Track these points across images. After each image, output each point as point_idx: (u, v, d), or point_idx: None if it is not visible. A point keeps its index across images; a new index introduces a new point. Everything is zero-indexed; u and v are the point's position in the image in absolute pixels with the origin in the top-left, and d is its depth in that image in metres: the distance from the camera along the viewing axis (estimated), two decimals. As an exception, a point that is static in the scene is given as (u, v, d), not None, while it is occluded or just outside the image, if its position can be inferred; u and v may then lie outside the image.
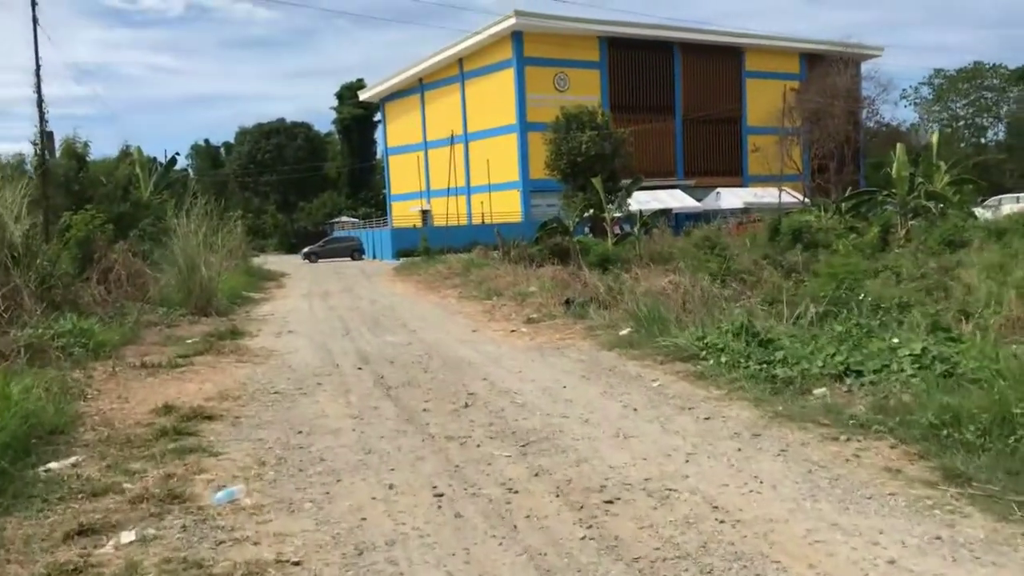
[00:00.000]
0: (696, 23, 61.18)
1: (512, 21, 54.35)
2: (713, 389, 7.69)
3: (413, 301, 19.21)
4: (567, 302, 13.96)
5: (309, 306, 19.15)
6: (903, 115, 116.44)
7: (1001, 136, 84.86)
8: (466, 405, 7.54)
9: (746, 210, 51.85)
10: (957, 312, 12.11)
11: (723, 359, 8.39)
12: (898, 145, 31.76)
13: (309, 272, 37.57)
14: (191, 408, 7.56)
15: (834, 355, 8.32)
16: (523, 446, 6.13)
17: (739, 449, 5.86)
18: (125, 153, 30.91)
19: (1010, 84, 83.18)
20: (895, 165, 29.47)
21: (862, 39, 64.11)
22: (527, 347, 10.82)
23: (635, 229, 34.21)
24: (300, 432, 6.79)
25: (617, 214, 36.43)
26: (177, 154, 39.37)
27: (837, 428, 6.22)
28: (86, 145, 27.88)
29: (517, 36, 55.70)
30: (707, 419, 6.69)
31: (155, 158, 40.25)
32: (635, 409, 7.14)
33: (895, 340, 9.04)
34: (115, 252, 18.77)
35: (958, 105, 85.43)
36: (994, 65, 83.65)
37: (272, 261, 45.93)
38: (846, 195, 33.85)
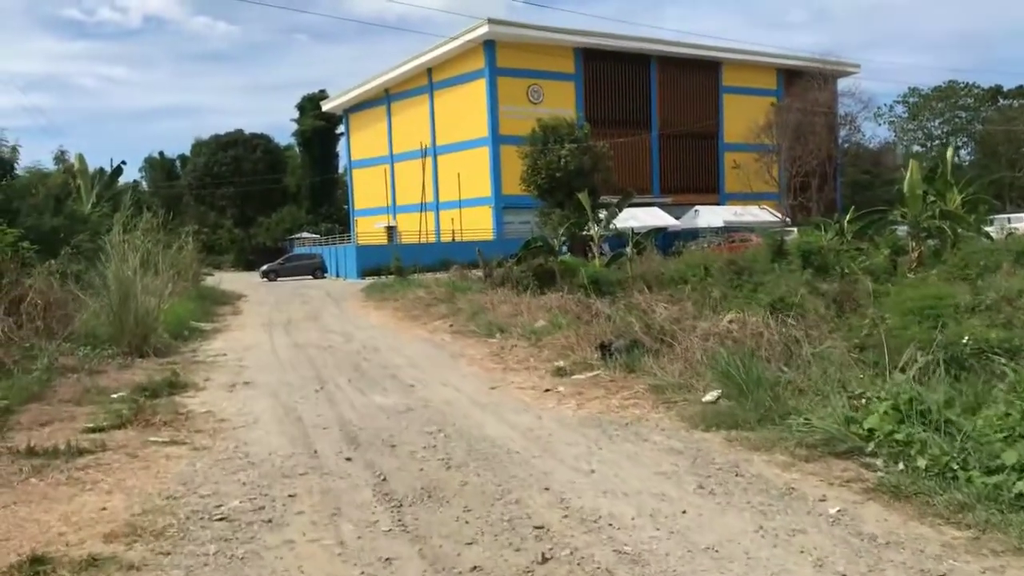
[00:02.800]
0: (674, 36, 58.96)
1: (484, 29, 51.67)
2: (942, 525, 4.74)
3: (396, 336, 16.06)
4: (603, 347, 10.99)
5: (270, 341, 15.93)
6: (876, 134, 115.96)
7: (974, 156, 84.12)
8: (543, 559, 4.50)
9: (727, 229, 49.75)
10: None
11: (920, 462, 5.47)
12: (911, 162, 29.43)
13: (268, 293, 34.13)
14: (76, 563, 4.46)
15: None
16: None
17: None
18: (60, 159, 27.31)
19: (983, 104, 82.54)
20: (907, 182, 27.09)
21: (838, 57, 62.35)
22: (579, 420, 7.80)
23: (627, 249, 31.38)
24: (263, 637, 3.72)
25: (603, 232, 33.65)
26: (124, 163, 35.90)
27: None
28: (14, 150, 24.45)
29: (489, 45, 53.02)
30: (997, 609, 3.76)
31: (101, 168, 36.64)
32: (843, 575, 4.19)
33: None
34: (35, 276, 15.49)
35: (933, 124, 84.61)
36: (968, 84, 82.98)
37: (228, 279, 42.41)
38: (856, 214, 31.44)
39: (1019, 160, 73.64)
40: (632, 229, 33.46)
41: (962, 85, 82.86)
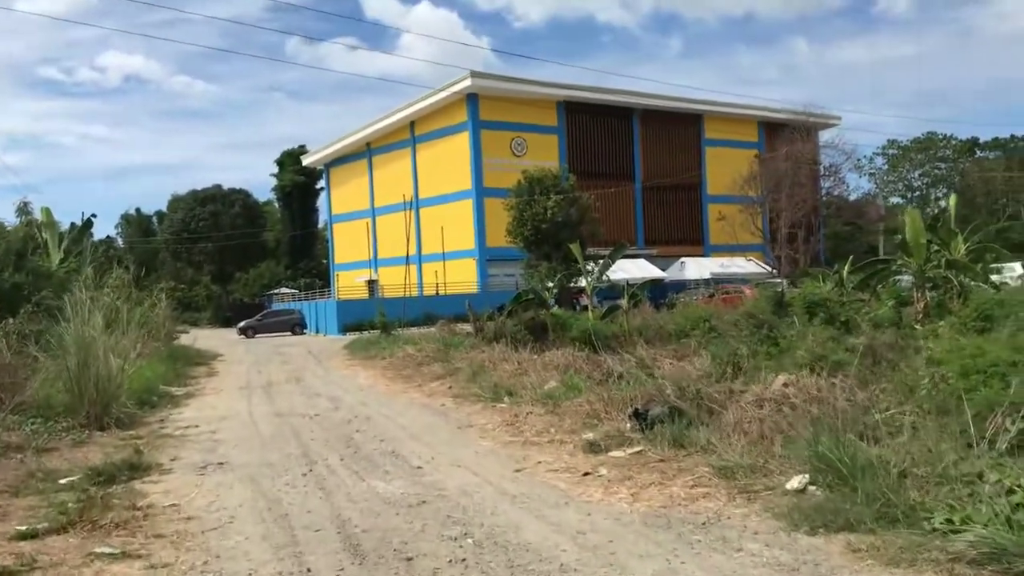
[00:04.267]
0: (656, 89, 58.65)
1: (468, 83, 51.04)
2: None
3: (390, 401, 14.40)
4: (637, 415, 9.46)
5: (248, 409, 14.24)
6: (859, 185, 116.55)
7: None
8: None
9: (715, 281, 48.82)
10: None
11: None
12: (908, 210, 28.45)
13: (246, 351, 32.33)
14: None
15: None
16: None
17: None
18: (23, 211, 25.58)
19: (961, 155, 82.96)
20: (908, 231, 25.99)
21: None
22: (642, 518, 6.22)
23: (621, 301, 30.04)
24: None
25: (596, 284, 32.30)
26: (94, 216, 33.94)
27: None
28: (-27, 204, 22.85)
29: (472, 99, 52.39)
30: None
31: (73, 223, 34.90)
32: None
33: None
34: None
35: (913, 176, 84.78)
36: (946, 136, 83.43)
37: (205, 336, 40.63)
38: (859, 264, 30.35)
39: (997, 211, 73.75)
40: (627, 281, 32.20)
41: (940, 137, 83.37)
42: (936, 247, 27.51)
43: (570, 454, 8.62)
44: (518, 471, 8.00)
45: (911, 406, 9.18)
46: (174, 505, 7.34)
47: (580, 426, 9.94)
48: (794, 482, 6.54)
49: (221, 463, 9.29)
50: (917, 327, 19.72)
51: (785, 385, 9.60)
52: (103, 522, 6.66)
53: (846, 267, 30.12)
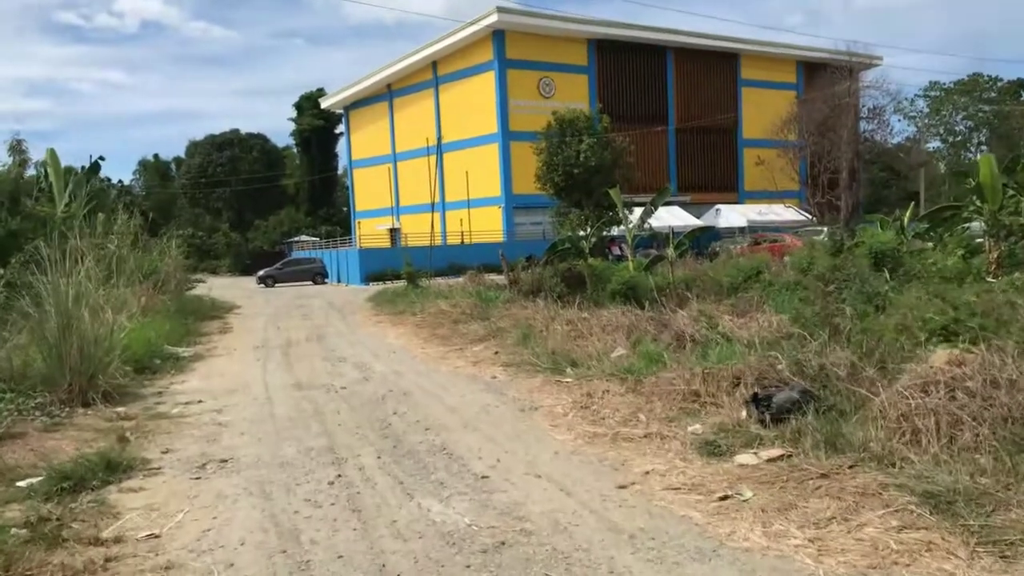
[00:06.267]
0: (690, 26, 55.43)
1: (493, 18, 48.07)
2: None
3: (429, 370, 12.21)
4: (757, 401, 7.30)
5: (263, 378, 12.17)
6: (901, 129, 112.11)
7: (993, 151, 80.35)
8: None
9: (751, 229, 46.50)
10: None
11: None
12: (985, 156, 25.82)
13: (265, 303, 30.34)
14: None
15: None
16: None
17: None
18: (16, 150, 23.42)
19: (1008, 97, 78.95)
20: (983, 174, 23.44)
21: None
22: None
23: (667, 251, 27.69)
24: None
25: (638, 233, 29.95)
26: (102, 158, 31.64)
27: None
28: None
29: (498, 36, 49.46)
30: None
31: (84, 166, 32.68)
32: None
33: None
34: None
35: (955, 119, 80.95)
36: (992, 78, 79.40)
37: (223, 285, 38.82)
38: (927, 211, 27.88)
39: (1046, 156, 70.02)
40: (672, 229, 29.86)
41: (986, 78, 79.38)
42: (1012, 192, 24.88)
43: (682, 457, 6.46)
44: (623, 488, 5.84)
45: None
46: (152, 536, 5.29)
47: (677, 412, 7.79)
48: (1060, 527, 4.38)
49: (224, 460, 7.22)
50: (990, 279, 17.49)
51: (954, 364, 7.37)
52: (43, 573, 4.61)
53: (907, 214, 27.63)
